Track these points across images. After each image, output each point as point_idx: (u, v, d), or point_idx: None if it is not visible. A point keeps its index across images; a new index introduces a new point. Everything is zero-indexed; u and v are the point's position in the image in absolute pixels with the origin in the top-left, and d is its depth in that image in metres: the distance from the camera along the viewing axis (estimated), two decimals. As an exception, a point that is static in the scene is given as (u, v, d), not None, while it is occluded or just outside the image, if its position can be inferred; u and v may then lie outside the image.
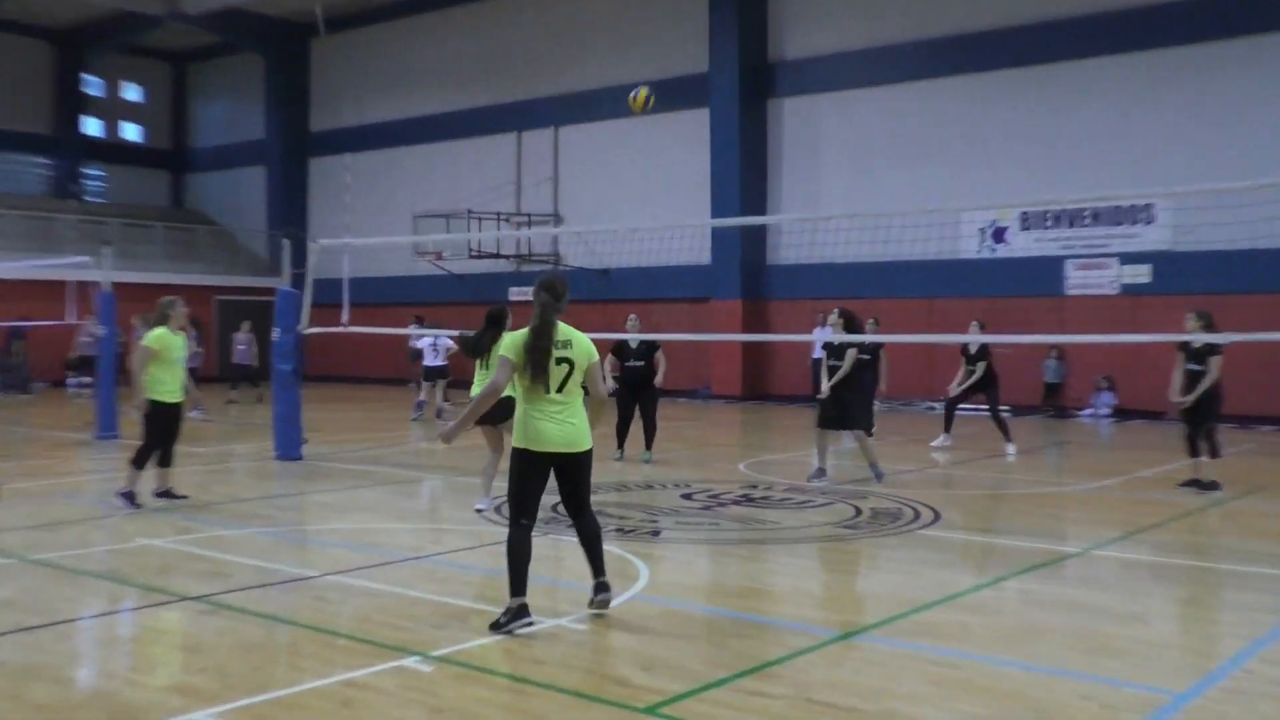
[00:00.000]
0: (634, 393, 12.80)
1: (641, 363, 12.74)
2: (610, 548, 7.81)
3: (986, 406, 14.57)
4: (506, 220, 27.03)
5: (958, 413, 15.19)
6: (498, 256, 26.71)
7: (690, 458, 13.64)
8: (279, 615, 6.01)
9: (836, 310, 11.23)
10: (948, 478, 12.21)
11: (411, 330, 17.00)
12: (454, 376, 18.96)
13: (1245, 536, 8.69)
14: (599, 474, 11.54)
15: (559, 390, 5.71)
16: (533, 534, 5.85)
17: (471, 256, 26.09)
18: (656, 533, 8.58)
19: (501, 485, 9.52)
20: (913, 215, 13.86)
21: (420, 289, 28.61)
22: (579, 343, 5.83)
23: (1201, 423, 10.61)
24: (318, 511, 9.55)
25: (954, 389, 14.38)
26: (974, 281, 20.51)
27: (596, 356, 5.89)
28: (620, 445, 12.85)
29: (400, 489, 10.75)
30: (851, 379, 11.13)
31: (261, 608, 6.15)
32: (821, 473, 11.29)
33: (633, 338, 12.57)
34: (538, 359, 5.71)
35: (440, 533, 8.64)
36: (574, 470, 5.80)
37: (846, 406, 11.13)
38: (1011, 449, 13.95)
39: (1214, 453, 10.74)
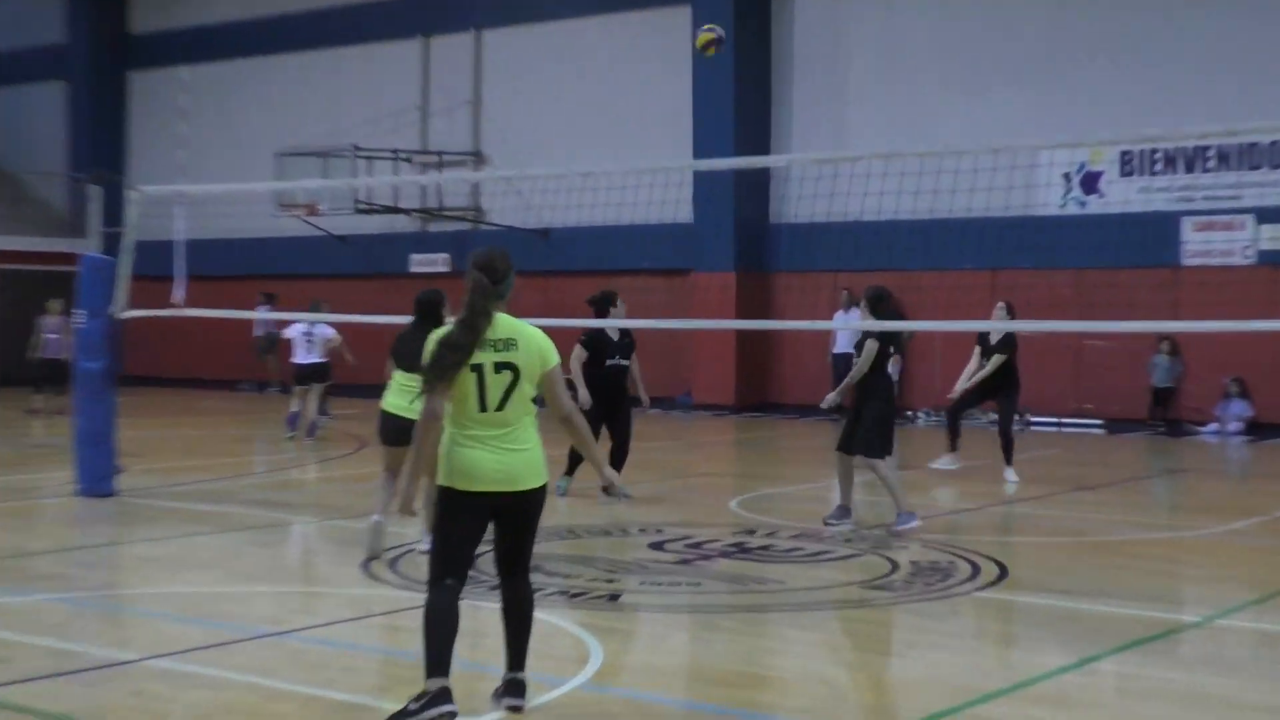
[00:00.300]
0: (611, 403, 12.75)
1: (626, 361, 12.97)
2: (551, 618, 7.79)
3: (996, 417, 14.79)
4: (408, 161, 26.87)
5: (964, 422, 15.40)
6: (395, 211, 26.62)
7: (663, 492, 13.63)
8: (79, 716, 5.95)
9: (872, 290, 11.26)
10: (1013, 517, 12.30)
11: (261, 314, 16.93)
12: (334, 379, 18.83)
13: None
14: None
15: (499, 406, 5.72)
16: (459, 598, 5.80)
17: (359, 211, 26.01)
18: (615, 597, 8.61)
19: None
20: (972, 156, 13.87)
21: (285, 256, 28.49)
22: (528, 342, 5.81)
23: None
24: (137, 569, 9.47)
25: (959, 387, 14.58)
26: (1053, 247, 20.68)
27: (555, 359, 5.88)
28: (570, 472, 12.82)
29: (255, 537, 10.70)
30: (878, 386, 11.13)
31: (56, 705, 6.09)
32: (844, 512, 11.34)
33: (615, 325, 12.74)
34: (451, 362, 5.68)
35: (312, 598, 8.58)
36: (517, 516, 5.83)
37: (861, 422, 11.14)
38: (1012, 477, 14.16)
39: None
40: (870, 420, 11.07)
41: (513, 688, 5.92)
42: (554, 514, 11.86)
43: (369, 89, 28.16)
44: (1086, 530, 11.66)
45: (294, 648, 7.25)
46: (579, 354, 12.69)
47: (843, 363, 23.03)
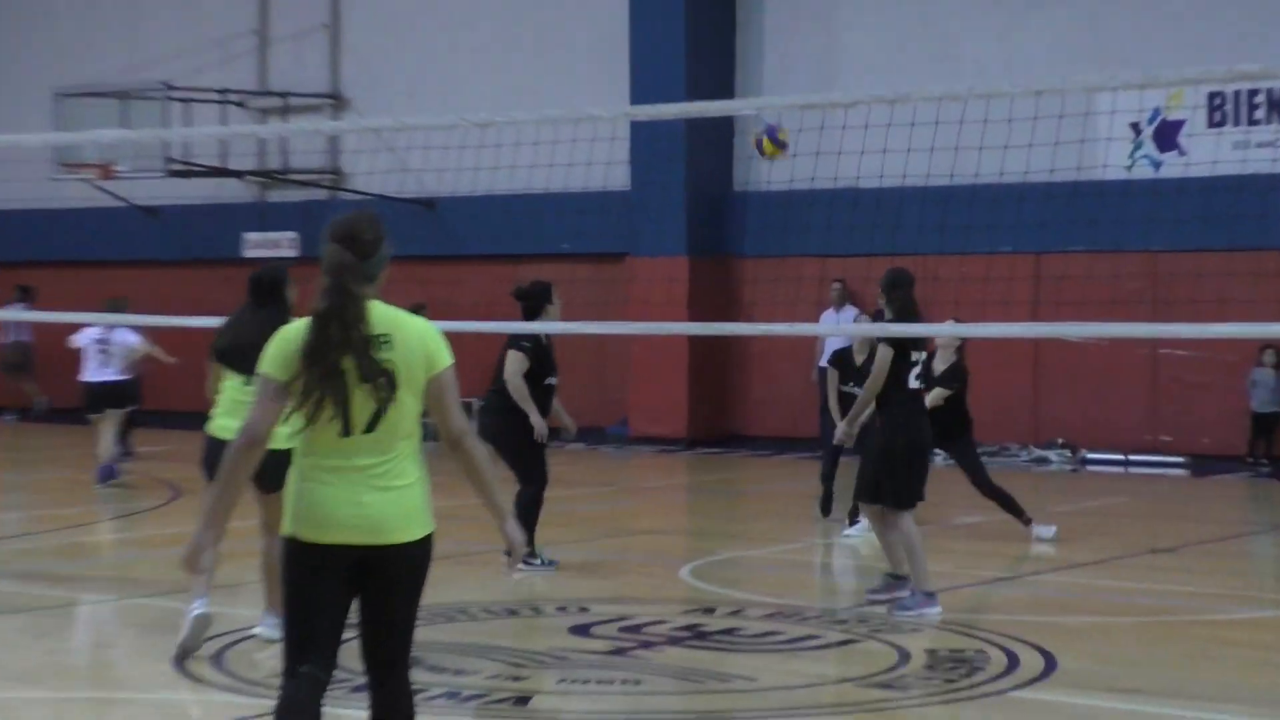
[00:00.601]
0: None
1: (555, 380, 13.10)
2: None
3: (962, 468, 14.62)
4: (240, 105, 26.73)
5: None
6: (224, 173, 26.48)
7: (591, 557, 13.64)
8: None
9: (891, 273, 11.51)
10: (1061, 589, 12.41)
11: (12, 314, 16.81)
12: (139, 403, 18.70)
13: None
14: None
15: (367, 428, 5.70)
16: (319, 705, 5.75)
17: (173, 173, 25.87)
18: (524, 700, 8.62)
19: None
20: (1007, 100, 13.97)
21: (69, 234, 28.28)
22: (409, 337, 5.77)
23: None
24: None
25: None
26: (1119, 223, 20.89)
27: (448, 360, 5.83)
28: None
29: (30, 623, 10.58)
30: (898, 407, 11.25)
31: None
32: (896, 583, 11.22)
33: (531, 329, 12.81)
34: (325, 371, 5.65)
35: (107, 707, 8.52)
36: (386, 581, 5.76)
37: (880, 460, 11.20)
38: (1046, 531, 14.20)
39: None
40: (886, 458, 11.10)
41: None
42: (440, 586, 11.81)
43: (185, 6, 28.02)
44: (1165, 607, 11.77)
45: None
46: (518, 362, 12.55)
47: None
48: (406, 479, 5.72)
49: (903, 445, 11.05)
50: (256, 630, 9.43)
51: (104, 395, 18.03)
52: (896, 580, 11.20)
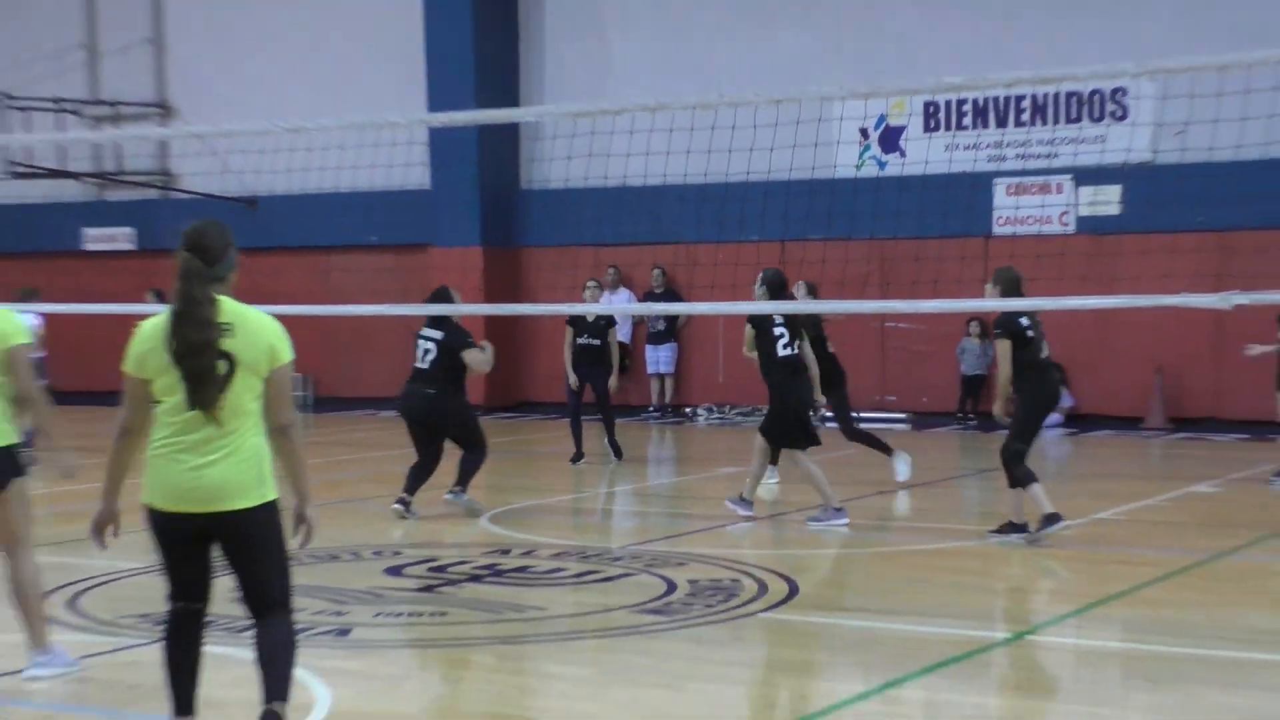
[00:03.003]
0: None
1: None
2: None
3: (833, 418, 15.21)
4: (74, 113, 26.17)
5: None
6: (61, 175, 25.94)
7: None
8: None
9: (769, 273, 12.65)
10: (804, 527, 12.74)
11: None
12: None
13: (1244, 607, 9.55)
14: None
15: (209, 405, 5.73)
16: (199, 627, 5.99)
17: (16, 175, 25.28)
18: (345, 632, 8.69)
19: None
20: (752, 108, 14.25)
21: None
22: (252, 331, 5.82)
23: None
24: None
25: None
26: (851, 215, 21.28)
27: (288, 356, 5.90)
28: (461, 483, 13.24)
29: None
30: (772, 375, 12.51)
31: None
32: (834, 512, 12.36)
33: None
34: (196, 365, 5.69)
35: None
36: (234, 543, 5.86)
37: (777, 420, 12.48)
38: (903, 467, 14.77)
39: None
40: (780, 415, 12.41)
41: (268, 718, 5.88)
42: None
43: (17, 20, 27.29)
44: (886, 540, 12.18)
45: (-41, 706, 7.19)
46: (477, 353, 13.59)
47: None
48: (244, 453, 5.79)
49: (791, 403, 12.33)
50: (28, 672, 7.60)
51: None
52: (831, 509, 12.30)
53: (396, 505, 12.81)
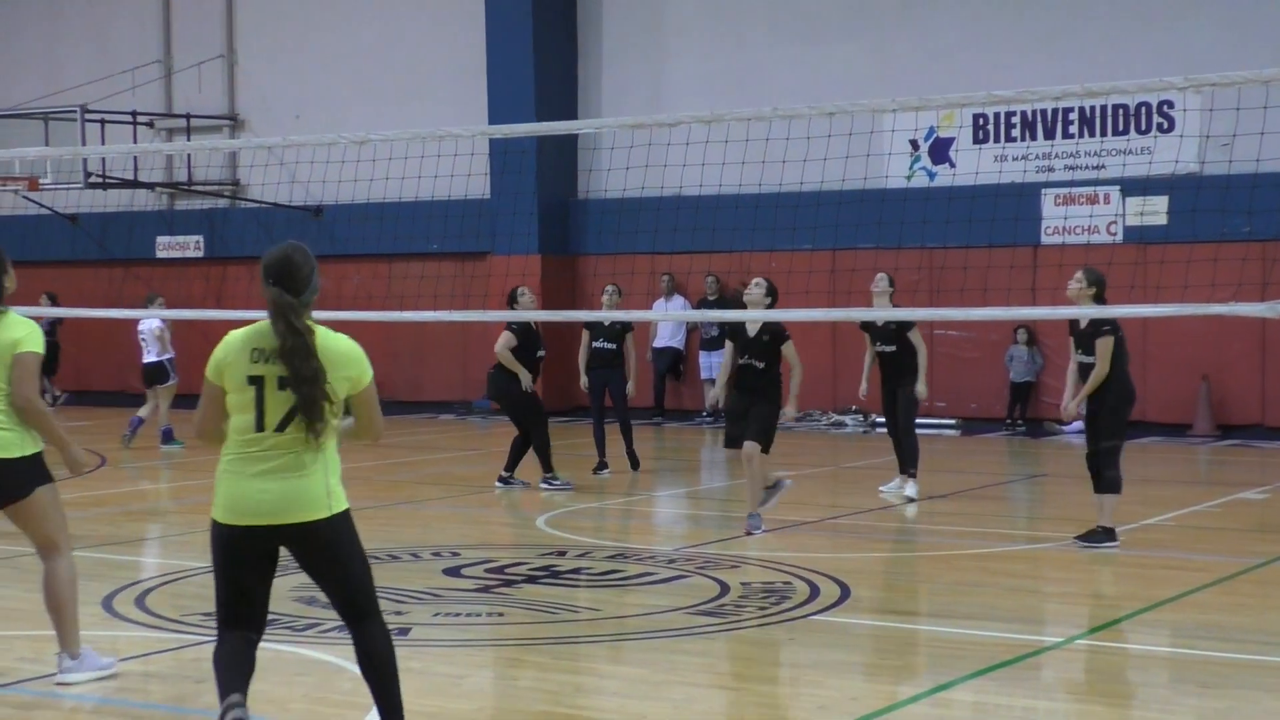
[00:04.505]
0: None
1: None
2: (329, 658, 7.86)
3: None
4: (149, 125, 26.32)
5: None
6: (136, 185, 26.10)
7: (461, 510, 13.69)
8: None
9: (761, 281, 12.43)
10: (855, 531, 12.64)
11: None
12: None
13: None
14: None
15: (279, 428, 5.75)
16: (251, 649, 5.88)
17: (91, 185, 25.45)
18: (404, 631, 8.64)
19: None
20: (805, 120, 14.16)
21: (2, 236, 27.67)
22: (335, 361, 5.79)
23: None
24: None
25: (923, 388, 14.22)
26: (901, 224, 21.19)
27: (368, 378, 5.90)
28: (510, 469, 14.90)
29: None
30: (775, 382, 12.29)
31: None
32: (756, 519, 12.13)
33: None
34: (310, 393, 5.68)
35: (41, 643, 8.47)
36: (312, 554, 5.86)
37: (753, 417, 12.05)
38: (906, 488, 14.17)
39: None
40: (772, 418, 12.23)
41: None
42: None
43: (97, 38, 27.54)
44: (936, 544, 12.05)
45: (21, 702, 7.18)
46: (506, 340, 14.86)
47: (666, 358, 23.40)
48: (315, 466, 5.78)
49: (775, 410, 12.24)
50: (59, 677, 7.47)
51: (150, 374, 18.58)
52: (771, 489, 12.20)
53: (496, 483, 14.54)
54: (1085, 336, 11.46)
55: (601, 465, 16.05)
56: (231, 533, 5.74)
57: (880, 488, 14.38)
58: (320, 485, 5.78)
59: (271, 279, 5.72)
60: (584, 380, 16.21)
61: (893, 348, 14.06)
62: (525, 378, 14.73)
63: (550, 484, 14.66)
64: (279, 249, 5.81)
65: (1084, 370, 11.51)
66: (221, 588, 5.81)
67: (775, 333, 12.11)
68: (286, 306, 5.69)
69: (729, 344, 12.33)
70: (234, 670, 5.80)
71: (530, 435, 14.78)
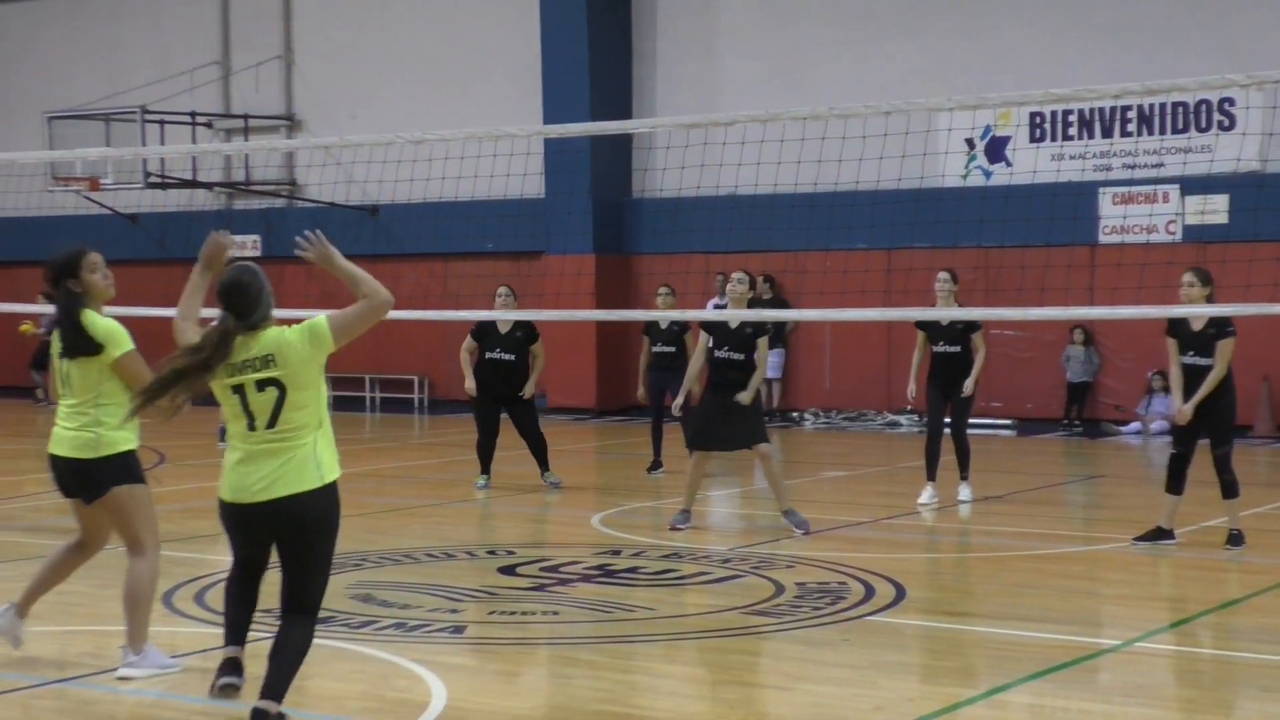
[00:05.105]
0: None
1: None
2: (385, 655, 7.87)
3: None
4: (208, 126, 26.50)
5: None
6: (194, 185, 26.27)
7: (515, 509, 13.70)
8: None
9: (743, 275, 12.20)
10: (910, 531, 12.59)
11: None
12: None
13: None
14: (362, 538, 11.55)
15: (269, 425, 6.35)
16: (256, 578, 6.70)
17: (151, 185, 25.65)
18: (460, 629, 8.68)
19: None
20: (861, 119, 14.09)
21: (62, 237, 27.75)
22: (289, 352, 6.35)
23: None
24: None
25: (971, 384, 13.74)
26: (956, 223, 21.08)
27: (324, 332, 6.41)
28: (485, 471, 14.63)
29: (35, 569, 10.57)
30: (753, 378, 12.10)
31: None
32: (686, 516, 12.13)
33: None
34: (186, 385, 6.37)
35: (104, 639, 8.53)
36: (284, 537, 6.39)
37: (744, 415, 11.98)
38: (926, 495, 13.82)
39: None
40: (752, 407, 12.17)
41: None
42: (388, 535, 11.91)
43: (157, 41, 27.76)
44: (992, 545, 11.99)
45: (83, 696, 7.23)
46: (466, 340, 14.59)
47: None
48: (302, 454, 6.33)
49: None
50: (120, 671, 7.53)
51: None
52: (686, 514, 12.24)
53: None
54: (1204, 338, 11.10)
55: (656, 464, 16.00)
56: (224, 509, 6.46)
57: (918, 501, 14.02)
58: (301, 468, 6.32)
59: (221, 302, 6.46)
60: (641, 391, 16.10)
61: (956, 348, 13.79)
62: (470, 381, 14.55)
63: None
64: (229, 276, 6.61)
65: (1191, 372, 11.16)
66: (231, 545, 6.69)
67: (756, 325, 12.09)
68: (229, 332, 6.37)
69: (703, 337, 12.24)
70: (239, 608, 6.69)
71: (536, 437, 14.79)
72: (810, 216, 20.98)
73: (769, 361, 22.81)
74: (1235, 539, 11.24)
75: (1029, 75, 20.11)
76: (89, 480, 7.36)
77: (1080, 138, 21.34)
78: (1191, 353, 11.17)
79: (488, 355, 14.44)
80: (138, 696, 7.21)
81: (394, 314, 11.24)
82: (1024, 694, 7.31)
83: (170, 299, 8.01)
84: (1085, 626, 9.01)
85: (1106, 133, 21.24)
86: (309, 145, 23.27)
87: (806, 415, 22.67)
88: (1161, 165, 20.85)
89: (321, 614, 6.48)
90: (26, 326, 23.29)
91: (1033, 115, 21.49)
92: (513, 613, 9.11)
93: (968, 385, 13.52)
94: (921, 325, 14.11)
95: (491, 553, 11.20)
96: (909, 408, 21.94)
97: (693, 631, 8.74)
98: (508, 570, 10.44)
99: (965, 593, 10.28)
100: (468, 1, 25.28)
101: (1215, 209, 20.44)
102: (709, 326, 12.25)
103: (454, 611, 9.08)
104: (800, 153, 15.39)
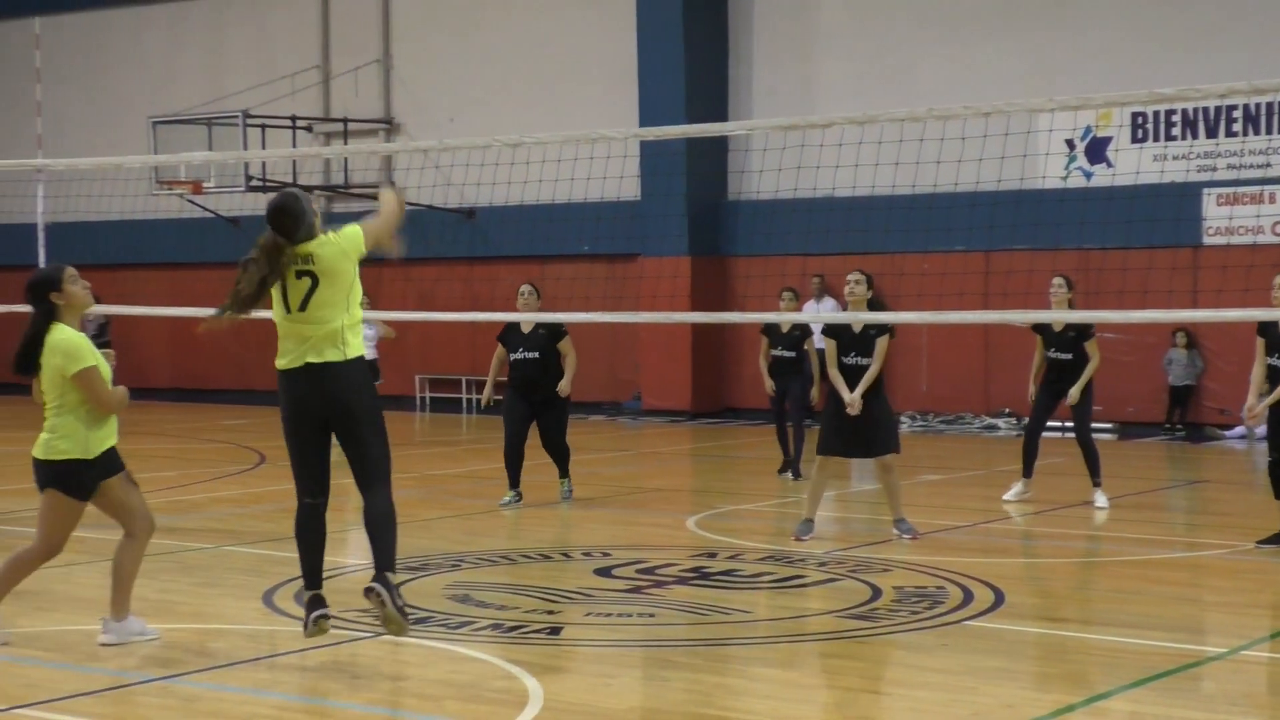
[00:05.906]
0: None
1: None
2: (482, 655, 7.91)
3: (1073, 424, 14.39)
4: (308, 130, 26.78)
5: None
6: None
7: (611, 511, 13.72)
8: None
9: (860, 275, 11.77)
10: (1010, 535, 12.48)
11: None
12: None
13: None
14: (459, 539, 11.63)
15: (301, 308, 7.69)
16: (324, 521, 7.70)
17: (252, 188, 25.94)
18: (556, 630, 8.71)
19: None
20: (960, 120, 14.02)
21: (166, 240, 28.33)
22: (328, 250, 7.85)
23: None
24: None
25: (1075, 392, 13.69)
26: (1056, 225, 20.89)
27: (362, 235, 8.07)
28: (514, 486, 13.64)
29: (145, 569, 10.68)
30: (878, 381, 11.77)
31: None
32: (809, 525, 11.77)
33: (547, 318, 13.89)
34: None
35: (207, 636, 8.61)
36: (329, 411, 7.56)
37: (876, 422, 11.67)
38: (1101, 500, 13.84)
39: None
40: (886, 416, 11.96)
41: (375, 589, 7.34)
42: (486, 536, 11.98)
43: (259, 46, 28.06)
44: (1094, 550, 11.86)
45: (186, 693, 7.31)
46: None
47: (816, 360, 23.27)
48: (342, 336, 7.70)
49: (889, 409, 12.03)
50: (100, 639, 8.20)
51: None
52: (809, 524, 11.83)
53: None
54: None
55: (786, 464, 15.87)
56: (288, 375, 7.60)
57: (1004, 496, 14.09)
58: (337, 339, 7.63)
59: (269, 222, 7.90)
60: (768, 383, 15.56)
61: (1068, 355, 13.61)
62: (488, 390, 14.11)
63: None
64: (275, 199, 8.00)
65: (1277, 374, 11.00)
66: (291, 456, 7.73)
67: (879, 326, 11.83)
68: (274, 247, 7.83)
69: (829, 342, 11.85)
70: (310, 554, 7.68)
71: (559, 448, 14.14)
72: (908, 218, 20.91)
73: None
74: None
75: (1128, 74, 19.89)
76: (36, 477, 8.09)
77: (1184, 138, 21.04)
78: (1278, 355, 11.00)
79: (513, 356, 13.82)
80: (241, 695, 7.29)
81: (492, 316, 11.41)
82: (1125, 701, 7.23)
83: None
84: (1188, 634, 8.88)
85: (1211, 133, 20.93)
86: (407, 149, 23.41)
87: (903, 418, 22.53)
88: (1269, 165, 20.54)
89: (419, 614, 6.50)
90: None
91: (1134, 115, 21.23)
92: (609, 614, 9.13)
93: (1073, 393, 13.40)
94: (1036, 329, 14.00)
95: (587, 555, 11.22)
96: (1006, 410, 21.76)
97: (789, 635, 8.72)
98: (603, 572, 10.46)
99: (1065, 598, 10.18)
100: (564, 5, 25.35)
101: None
102: (833, 333, 11.92)
103: (551, 613, 9.12)
104: (898, 154, 15.34)
